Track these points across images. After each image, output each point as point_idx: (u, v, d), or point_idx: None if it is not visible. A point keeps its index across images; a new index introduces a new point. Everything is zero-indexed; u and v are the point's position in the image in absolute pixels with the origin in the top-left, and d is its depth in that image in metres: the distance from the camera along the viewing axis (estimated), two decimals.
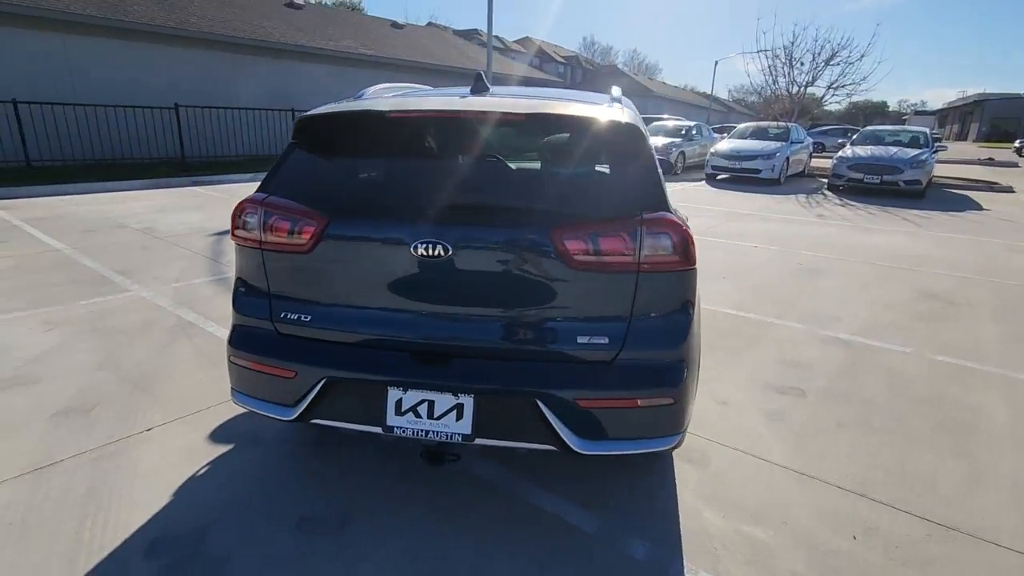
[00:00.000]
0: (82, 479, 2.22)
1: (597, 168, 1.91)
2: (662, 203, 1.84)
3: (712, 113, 43.78)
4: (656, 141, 15.97)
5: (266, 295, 2.00)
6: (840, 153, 13.32)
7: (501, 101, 2.00)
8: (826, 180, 13.59)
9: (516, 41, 65.82)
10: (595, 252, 1.74)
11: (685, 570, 1.87)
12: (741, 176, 14.02)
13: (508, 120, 1.88)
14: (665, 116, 22.33)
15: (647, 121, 20.23)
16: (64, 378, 3.05)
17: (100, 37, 11.83)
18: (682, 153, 15.87)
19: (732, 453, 2.55)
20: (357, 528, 2.02)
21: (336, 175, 1.97)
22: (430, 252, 1.75)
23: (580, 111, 1.91)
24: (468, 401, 1.81)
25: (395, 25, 21.01)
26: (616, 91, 2.39)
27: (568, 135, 1.94)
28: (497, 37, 63.93)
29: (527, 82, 23.03)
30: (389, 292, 1.86)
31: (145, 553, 1.87)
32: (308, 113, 2.01)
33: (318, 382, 1.88)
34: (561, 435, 1.78)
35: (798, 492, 2.29)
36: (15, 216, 7.38)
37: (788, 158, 13.94)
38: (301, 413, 1.92)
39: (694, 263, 1.87)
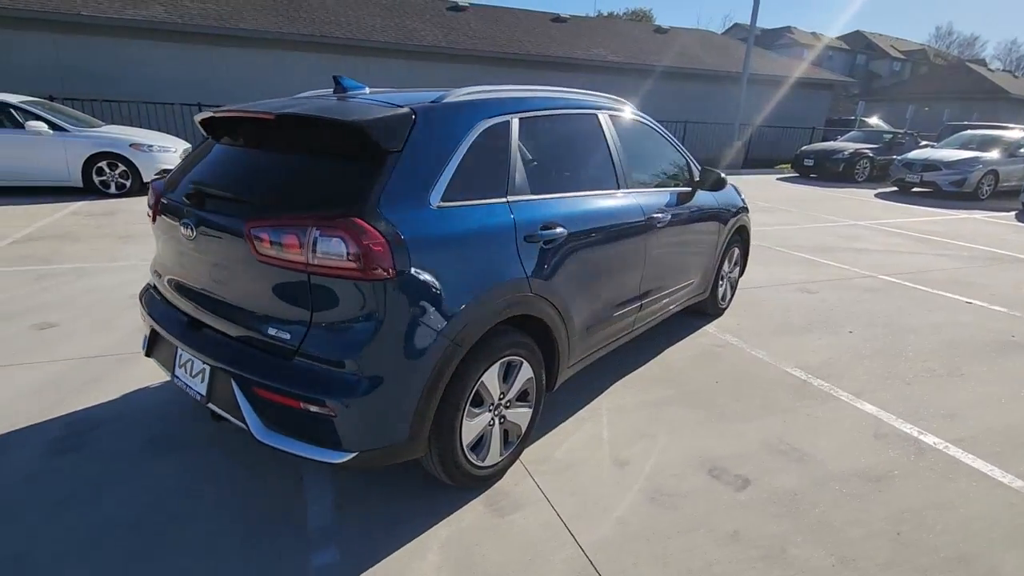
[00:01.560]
0: (97, 371, 3.18)
1: (330, 166, 1.90)
2: (359, 208, 1.75)
3: None
4: (942, 154, 12.36)
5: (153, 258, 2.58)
6: None
7: (280, 103, 2.14)
8: None
9: (842, 37, 57.36)
10: (275, 246, 1.78)
11: None
12: None
13: (264, 120, 2.02)
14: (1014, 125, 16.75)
15: (959, 129, 15.67)
16: None
17: (393, 58, 14.88)
18: (993, 173, 11.92)
19: (549, 516, 2.17)
20: (174, 456, 2.46)
21: (184, 164, 2.41)
22: (184, 231, 2.05)
23: (324, 112, 1.92)
24: (207, 368, 2.06)
25: (658, 30, 20.67)
26: (458, 91, 2.23)
27: (312, 133, 1.98)
28: (813, 33, 56.96)
29: (802, 83, 20.16)
30: (175, 262, 2.24)
31: (63, 425, 2.65)
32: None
33: (149, 329, 2.37)
34: (245, 416, 1.89)
35: None
36: None
37: None
38: (146, 352, 2.45)
39: (378, 275, 1.73)
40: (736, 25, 57.39)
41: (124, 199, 8.53)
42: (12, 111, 8.50)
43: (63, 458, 2.40)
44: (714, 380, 3.35)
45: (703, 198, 3.68)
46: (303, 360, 1.81)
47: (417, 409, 1.90)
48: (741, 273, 4.71)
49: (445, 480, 2.17)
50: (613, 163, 2.90)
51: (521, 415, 2.40)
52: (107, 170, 8.84)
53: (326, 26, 14.50)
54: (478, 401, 2.15)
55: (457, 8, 17.89)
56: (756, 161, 17.61)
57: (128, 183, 8.95)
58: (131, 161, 8.91)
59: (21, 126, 8.39)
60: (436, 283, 1.89)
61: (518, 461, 2.50)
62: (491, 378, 2.17)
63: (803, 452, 2.64)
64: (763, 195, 11.56)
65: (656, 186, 3.34)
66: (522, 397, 2.39)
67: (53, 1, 12.41)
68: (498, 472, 2.36)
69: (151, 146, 9.08)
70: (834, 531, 2.13)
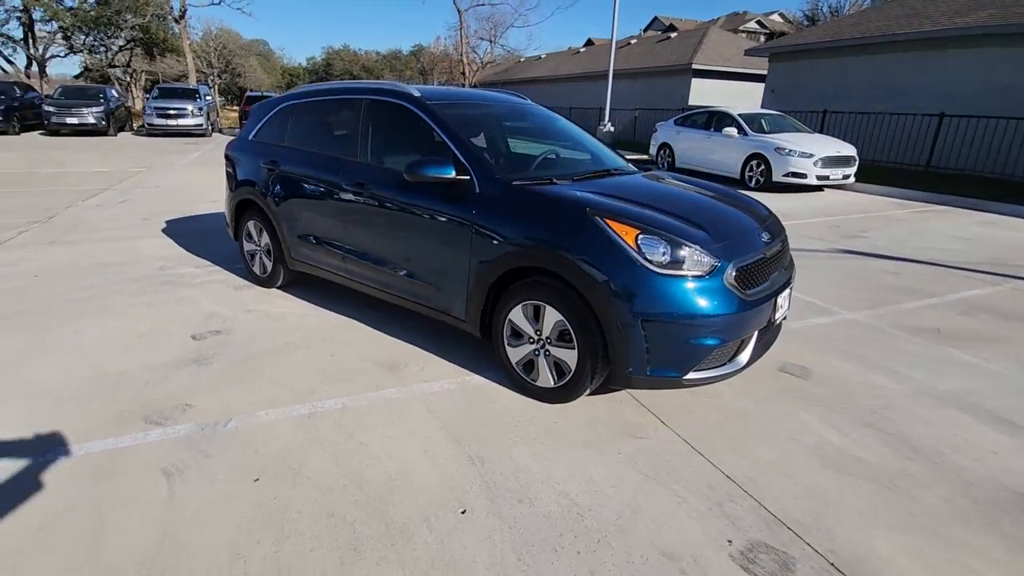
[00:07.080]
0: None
1: None
2: (235, 139, 4.55)
3: None
4: None
5: None
6: None
7: None
8: None
9: None
10: None
11: None
12: None
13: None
14: None
15: None
16: None
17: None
18: None
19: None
20: None
21: None
22: None
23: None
24: None
25: None
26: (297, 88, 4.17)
27: None
28: None
29: None
30: None
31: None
32: None
33: None
34: None
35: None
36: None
37: None
38: None
39: (227, 158, 4.51)
40: None
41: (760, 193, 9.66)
42: (728, 118, 11.67)
43: None
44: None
45: (471, 198, 2.95)
46: None
47: (233, 224, 4.61)
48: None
49: None
50: (358, 137, 3.63)
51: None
52: (754, 167, 10.80)
53: None
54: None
55: None
56: None
57: (763, 180, 10.60)
58: (769, 161, 10.44)
59: (719, 130, 11.56)
60: (237, 165, 4.52)
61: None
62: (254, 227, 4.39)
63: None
64: None
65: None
66: (268, 253, 4.32)
67: (873, 27, 13.74)
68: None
69: (791, 151, 10.16)
70: None
